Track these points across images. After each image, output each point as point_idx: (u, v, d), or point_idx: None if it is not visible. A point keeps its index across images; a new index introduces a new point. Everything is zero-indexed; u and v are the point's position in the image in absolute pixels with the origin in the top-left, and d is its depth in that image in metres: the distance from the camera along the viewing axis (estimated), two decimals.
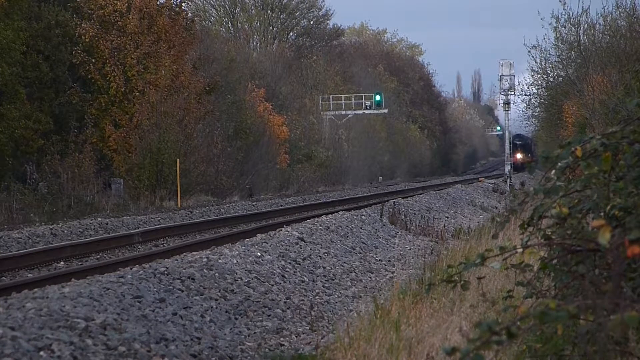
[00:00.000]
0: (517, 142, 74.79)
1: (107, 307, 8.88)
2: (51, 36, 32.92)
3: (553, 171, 4.59)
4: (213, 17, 64.78)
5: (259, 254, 13.60)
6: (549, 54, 41.05)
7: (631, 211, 4.37)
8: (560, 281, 4.80)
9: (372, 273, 14.95)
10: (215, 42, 49.18)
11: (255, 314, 10.55)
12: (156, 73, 35.52)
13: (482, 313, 7.72)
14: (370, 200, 33.67)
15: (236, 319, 10.21)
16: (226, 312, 10.31)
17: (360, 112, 65.61)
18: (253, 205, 31.50)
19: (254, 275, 12.25)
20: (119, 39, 35.07)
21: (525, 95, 46.11)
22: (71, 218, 24.29)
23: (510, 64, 46.60)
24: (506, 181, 47.61)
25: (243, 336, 9.60)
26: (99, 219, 22.96)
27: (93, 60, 34.39)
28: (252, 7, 65.40)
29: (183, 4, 38.47)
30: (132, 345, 7.91)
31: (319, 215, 21.27)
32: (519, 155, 75.60)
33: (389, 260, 16.42)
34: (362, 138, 65.36)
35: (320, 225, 18.18)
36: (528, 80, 44.34)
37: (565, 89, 39.60)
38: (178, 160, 32.26)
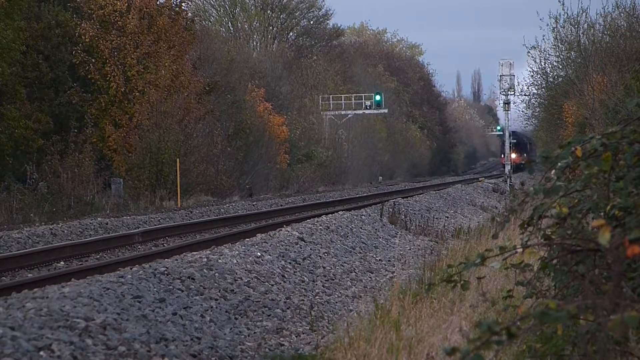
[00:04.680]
0: (511, 141, 67.85)
1: (107, 307, 8.88)
2: (51, 36, 32.92)
3: (553, 171, 4.59)
4: (213, 17, 64.78)
5: (259, 253, 13.60)
6: (549, 54, 41.08)
7: (631, 211, 4.37)
8: (560, 281, 4.80)
9: (372, 273, 14.95)
10: (215, 42, 49.17)
11: (255, 314, 10.55)
12: (156, 73, 35.52)
13: (482, 313, 7.72)
14: (370, 200, 33.66)
15: (236, 319, 10.21)
16: (226, 312, 10.31)
17: (360, 112, 65.61)
18: (253, 205, 31.50)
19: (254, 275, 12.25)
20: (119, 39, 35.06)
21: (525, 95, 46.13)
22: (71, 218, 24.28)
23: (510, 64, 46.60)
24: (506, 181, 47.60)
25: (243, 336, 9.60)
26: (99, 219, 22.96)
27: (93, 60, 34.39)
28: (252, 7, 65.40)
29: (183, 4, 38.46)
30: (132, 345, 7.91)
31: (319, 215, 21.27)
32: (513, 155, 69.16)
33: (389, 260, 16.42)
34: (362, 138, 65.36)
35: (320, 225, 18.18)
36: (528, 80, 44.36)
37: (565, 89, 39.60)
38: (178, 160, 32.26)
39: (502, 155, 73.11)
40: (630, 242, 3.42)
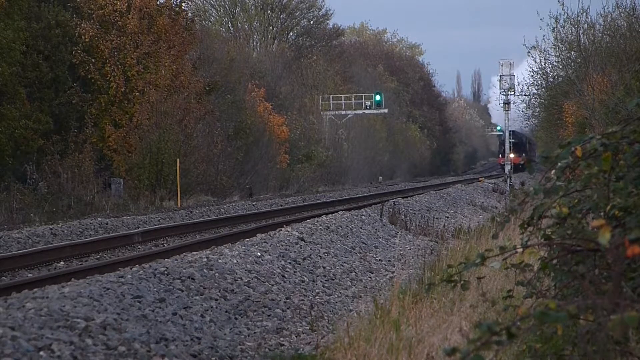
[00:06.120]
0: (510, 140, 65.23)
1: (107, 307, 8.88)
2: (51, 36, 32.92)
3: (553, 171, 4.59)
4: (213, 17, 64.78)
5: (259, 253, 13.60)
6: (549, 54, 41.11)
7: (631, 211, 4.37)
8: (560, 281, 4.80)
9: (372, 273, 14.95)
10: (215, 42, 49.17)
11: (255, 313, 10.55)
12: (156, 73, 35.52)
13: (482, 313, 7.72)
14: (370, 200, 33.67)
15: (236, 319, 10.21)
16: (226, 312, 10.31)
17: (360, 112, 65.60)
18: (253, 205, 31.49)
19: (254, 275, 12.25)
20: (119, 39, 35.07)
21: (525, 95, 46.17)
22: (71, 218, 24.28)
23: (510, 64, 46.59)
24: (506, 181, 47.59)
25: (243, 336, 9.60)
26: (99, 219, 22.96)
27: (93, 60, 34.39)
28: (252, 7, 65.40)
29: (183, 4, 38.47)
30: (132, 345, 7.91)
31: (319, 215, 21.27)
32: (511, 156, 66.62)
33: (389, 260, 16.42)
34: (362, 138, 65.37)
35: (320, 225, 18.18)
36: (528, 80, 44.40)
37: (565, 89, 39.62)
38: (178, 160, 32.26)
39: (500, 155, 72.81)
40: (630, 242, 3.42)
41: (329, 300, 12.18)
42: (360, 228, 19.68)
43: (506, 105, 47.65)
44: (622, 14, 36.23)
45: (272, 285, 12.12)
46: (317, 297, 12.21)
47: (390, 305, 8.37)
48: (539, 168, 21.64)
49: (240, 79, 47.53)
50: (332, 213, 21.97)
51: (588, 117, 34.10)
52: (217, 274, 11.56)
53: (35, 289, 9.90)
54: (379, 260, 16.37)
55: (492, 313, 7.35)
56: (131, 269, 11.90)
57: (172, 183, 32.91)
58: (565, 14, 38.28)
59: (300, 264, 14.02)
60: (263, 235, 16.21)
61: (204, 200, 34.45)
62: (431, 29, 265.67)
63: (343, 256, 15.94)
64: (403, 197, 31.42)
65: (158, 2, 36.84)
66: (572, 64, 39.40)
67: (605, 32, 37.26)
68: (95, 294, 9.22)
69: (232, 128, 43.33)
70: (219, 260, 12.31)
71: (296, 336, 9.86)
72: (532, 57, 41.69)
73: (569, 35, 38.80)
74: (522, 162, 68.18)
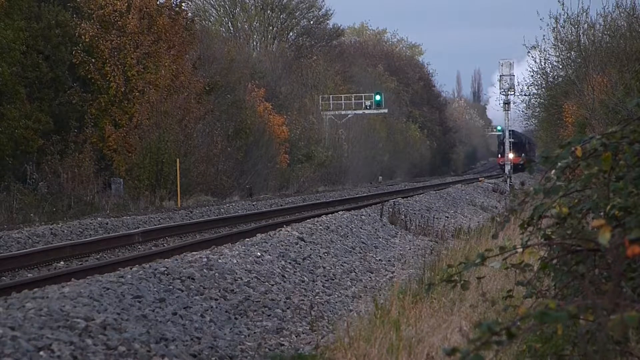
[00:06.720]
0: (510, 140, 63.82)
1: (107, 307, 8.87)
2: (51, 36, 32.92)
3: (553, 171, 4.58)
4: (213, 17, 64.78)
5: (259, 253, 13.60)
6: (549, 54, 41.14)
7: (631, 211, 4.36)
8: (560, 281, 4.80)
9: (372, 273, 14.95)
10: (215, 42, 49.18)
11: (255, 313, 10.55)
12: (156, 73, 35.52)
13: (482, 313, 7.72)
14: (370, 200, 33.67)
15: (236, 318, 10.21)
16: (226, 312, 10.31)
17: (360, 112, 65.60)
18: (253, 205, 31.49)
19: (254, 275, 12.25)
20: (118, 39, 35.07)
21: (525, 95, 46.21)
22: (71, 218, 24.28)
23: (510, 64, 46.62)
24: (506, 181, 47.59)
25: (243, 336, 9.59)
26: (99, 218, 22.95)
27: (93, 60, 34.39)
28: (252, 7, 65.40)
29: (183, 4, 38.47)
30: (132, 345, 7.91)
31: (319, 215, 21.27)
32: (510, 156, 65.59)
33: (389, 260, 16.42)
34: (362, 138, 65.37)
35: (320, 225, 18.17)
36: (528, 80, 44.44)
37: (565, 89, 39.64)
38: (178, 160, 32.26)
39: (499, 155, 72.78)
40: (630, 242, 3.41)
41: (329, 300, 12.18)
42: (360, 228, 19.67)
43: (506, 105, 47.65)
44: (622, 14, 36.25)
45: (272, 285, 12.12)
46: (317, 297, 12.21)
47: (390, 305, 8.37)
48: (538, 168, 21.63)
49: (240, 79, 47.52)
50: (332, 213, 21.97)
51: (588, 117, 34.10)
52: (217, 274, 11.56)
53: (35, 289, 9.89)
54: (379, 260, 16.37)
55: (492, 313, 7.36)
56: (131, 269, 11.89)
57: (172, 183, 32.91)
58: (565, 14, 38.36)
59: (300, 264, 14.02)
60: (263, 235, 16.20)
61: (204, 200, 34.45)
62: (431, 29, 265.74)
63: (343, 256, 15.94)
64: (403, 197, 31.42)
65: (158, 2, 36.84)
66: (572, 64, 39.43)
67: (605, 32, 37.28)
68: (95, 294, 9.22)
69: (232, 128, 43.33)
70: (219, 260, 12.31)
71: (296, 336, 9.86)
72: (532, 57, 41.75)
73: (569, 35, 38.85)
74: (522, 162, 68.04)
